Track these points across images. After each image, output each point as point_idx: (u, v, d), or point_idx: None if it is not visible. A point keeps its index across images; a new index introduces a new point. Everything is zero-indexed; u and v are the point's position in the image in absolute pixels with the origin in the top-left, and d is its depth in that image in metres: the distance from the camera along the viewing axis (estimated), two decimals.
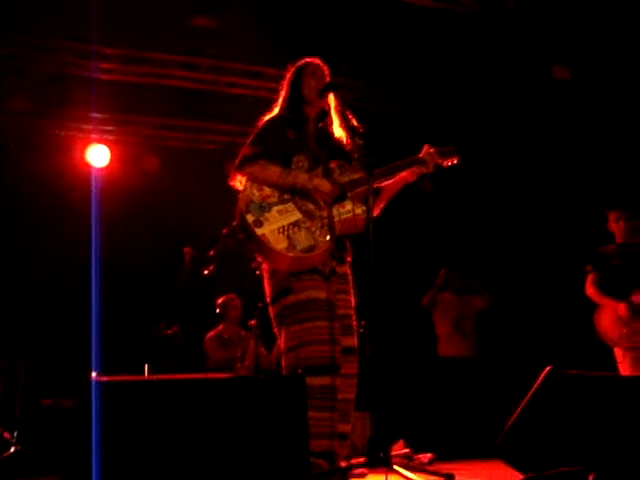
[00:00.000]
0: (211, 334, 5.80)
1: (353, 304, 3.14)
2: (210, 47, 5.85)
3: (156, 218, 6.54)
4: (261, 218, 2.95)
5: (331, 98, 3.23)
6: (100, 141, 6.51)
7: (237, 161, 3.07)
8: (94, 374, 2.45)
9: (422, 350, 6.56)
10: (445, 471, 2.92)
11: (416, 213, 6.56)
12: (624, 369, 4.39)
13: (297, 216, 2.99)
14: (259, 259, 3.11)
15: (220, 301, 5.80)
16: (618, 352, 4.45)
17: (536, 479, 2.50)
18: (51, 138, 6.53)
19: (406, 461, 4.42)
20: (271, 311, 3.06)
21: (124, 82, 6.08)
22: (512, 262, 6.71)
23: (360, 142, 3.05)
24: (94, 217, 5.46)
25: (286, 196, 3.01)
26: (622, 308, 4.39)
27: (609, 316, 4.44)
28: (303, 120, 3.19)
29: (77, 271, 5.86)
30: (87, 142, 6.50)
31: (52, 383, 5.58)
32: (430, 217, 6.98)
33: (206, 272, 4.85)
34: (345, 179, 3.12)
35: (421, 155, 3.26)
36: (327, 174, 3.10)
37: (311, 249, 2.93)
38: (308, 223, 2.98)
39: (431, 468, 3.81)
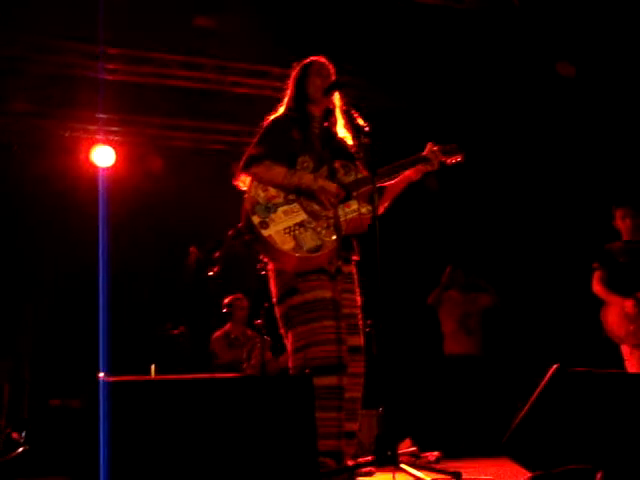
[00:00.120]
0: (218, 334, 5.81)
1: (359, 303, 3.14)
2: (214, 47, 5.85)
3: (161, 218, 6.55)
4: (267, 219, 2.94)
5: (336, 97, 3.23)
6: (105, 142, 6.52)
7: (242, 161, 3.07)
8: (101, 374, 2.45)
9: (428, 348, 6.56)
10: (452, 469, 2.92)
11: (421, 211, 6.56)
12: (631, 366, 4.38)
13: (303, 216, 2.99)
14: (265, 260, 3.11)
15: (227, 301, 5.81)
16: (625, 349, 4.44)
17: (543, 477, 2.50)
18: (56, 139, 6.55)
19: (413, 459, 4.41)
20: (277, 311, 3.06)
21: (129, 82, 6.10)
22: (518, 259, 6.70)
23: (365, 141, 3.05)
24: (101, 217, 5.48)
25: (291, 197, 3.01)
26: (629, 305, 4.38)
27: (616, 313, 4.43)
28: (308, 119, 3.19)
29: (83, 271, 5.88)
30: (92, 143, 6.52)
31: (60, 384, 5.60)
32: (435, 215, 6.97)
33: (211, 273, 4.85)
34: (350, 179, 3.12)
35: (425, 153, 3.25)
36: (332, 174, 3.10)
37: (317, 249, 2.93)
38: (314, 223, 2.98)
39: (438, 466, 3.81)
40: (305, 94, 3.21)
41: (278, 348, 5.14)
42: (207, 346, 5.77)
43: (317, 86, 3.18)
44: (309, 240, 2.93)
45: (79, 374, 5.11)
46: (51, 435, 4.82)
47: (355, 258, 3.15)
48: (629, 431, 2.65)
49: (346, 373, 2.93)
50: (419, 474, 2.70)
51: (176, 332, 5.59)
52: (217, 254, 4.82)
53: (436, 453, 4.58)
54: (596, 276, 4.58)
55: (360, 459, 3.37)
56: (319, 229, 2.98)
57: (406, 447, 4.79)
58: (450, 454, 4.77)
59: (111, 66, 5.92)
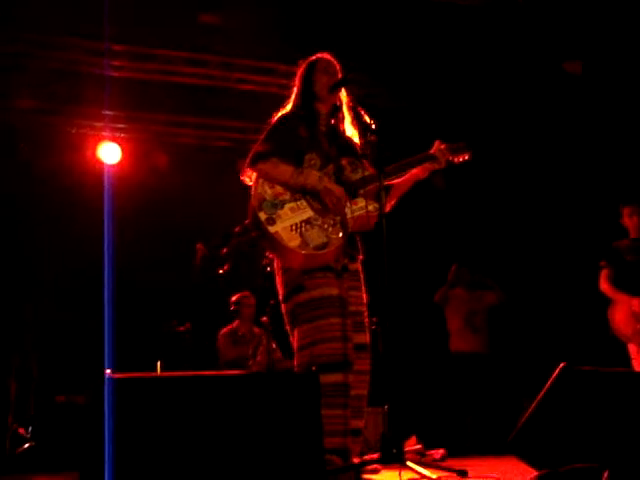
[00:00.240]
0: (224, 331, 5.82)
1: (365, 301, 3.14)
2: (220, 44, 5.85)
3: (167, 215, 6.56)
4: (274, 216, 2.94)
5: (343, 94, 3.22)
6: (111, 138, 6.53)
7: (249, 157, 3.06)
8: (108, 371, 2.46)
9: (434, 346, 6.55)
10: (458, 467, 2.92)
11: (427, 209, 6.55)
12: (638, 365, 4.38)
13: (309, 213, 2.98)
14: (271, 257, 3.11)
15: (234, 298, 5.81)
16: (632, 348, 4.43)
17: (550, 476, 2.49)
18: (63, 135, 6.57)
19: (418, 457, 4.41)
20: (283, 309, 3.06)
21: (135, 79, 6.10)
22: (525, 257, 6.68)
23: (372, 138, 3.04)
24: (106, 214, 5.48)
25: (298, 194, 3.01)
26: (636, 304, 4.36)
27: (623, 312, 4.42)
28: (315, 117, 3.18)
29: (89, 268, 5.89)
30: (98, 139, 6.53)
31: (66, 380, 5.62)
32: (441, 213, 6.96)
33: (221, 271, 4.85)
34: (357, 176, 3.11)
35: (432, 151, 3.24)
36: (338, 171, 3.10)
37: (324, 246, 2.93)
38: (320, 220, 2.98)
39: (443, 464, 3.81)
40: (312, 91, 3.20)
41: (283, 341, 5.15)
42: (213, 343, 5.78)
43: (323, 83, 3.18)
44: (315, 237, 2.93)
45: (85, 371, 5.13)
46: (57, 431, 4.84)
47: (360, 257, 3.15)
48: (636, 430, 2.64)
49: (352, 370, 2.93)
50: (425, 472, 2.69)
51: (182, 329, 5.60)
52: (224, 251, 4.82)
53: (441, 451, 4.58)
54: (603, 274, 4.57)
55: (366, 457, 3.37)
56: (326, 226, 2.97)
57: (412, 445, 4.79)
58: (456, 452, 4.77)
59: (117, 63, 5.93)
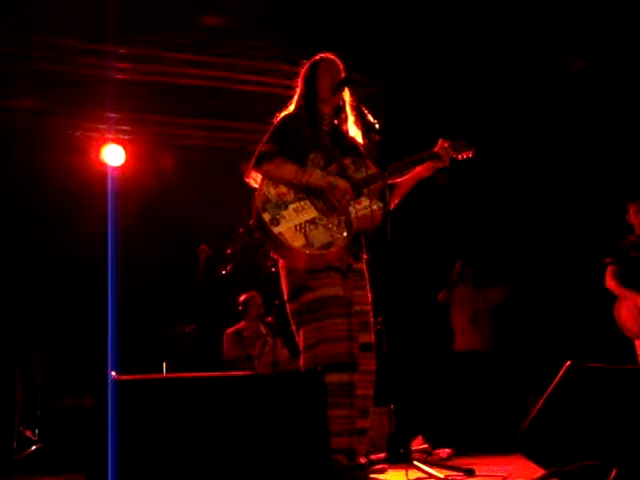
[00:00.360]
0: (230, 330, 5.82)
1: (370, 300, 3.13)
2: (224, 45, 5.85)
3: (171, 216, 6.56)
4: (277, 216, 2.94)
5: (346, 94, 3.22)
6: (115, 140, 6.54)
7: (253, 158, 3.07)
8: (113, 373, 2.46)
9: (439, 345, 6.54)
10: (465, 466, 2.91)
11: (431, 207, 6.53)
12: None
13: (313, 213, 2.98)
14: (276, 257, 3.11)
15: (242, 299, 5.82)
16: (639, 344, 4.41)
17: (557, 474, 2.48)
18: (67, 138, 6.58)
19: (425, 456, 4.40)
20: (288, 309, 3.06)
21: (139, 81, 6.11)
22: (530, 255, 6.66)
23: (376, 138, 3.04)
24: (110, 216, 5.50)
25: (302, 194, 3.01)
26: None
27: (629, 308, 4.41)
28: (318, 117, 3.18)
29: (93, 270, 5.90)
30: (102, 142, 6.54)
31: (72, 383, 5.63)
32: (445, 211, 6.95)
33: (224, 272, 4.86)
34: (360, 175, 3.11)
35: (436, 149, 3.24)
36: (342, 171, 3.10)
37: (328, 245, 2.93)
38: (325, 220, 2.98)
39: (450, 463, 3.80)
40: (315, 92, 3.20)
41: (289, 341, 5.15)
42: (218, 344, 5.79)
43: (326, 84, 3.18)
44: (320, 237, 2.93)
45: (90, 373, 5.14)
46: (63, 433, 4.85)
47: (364, 257, 3.15)
48: None
49: (357, 370, 2.92)
50: (432, 471, 2.69)
51: (187, 330, 5.61)
52: (228, 252, 4.82)
53: (448, 450, 4.56)
54: (609, 271, 4.56)
55: (372, 456, 3.37)
56: (330, 226, 2.97)
57: (418, 444, 4.78)
58: (462, 451, 4.75)
59: (121, 65, 5.93)
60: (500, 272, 6.48)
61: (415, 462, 2.75)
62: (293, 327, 3.05)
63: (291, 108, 3.24)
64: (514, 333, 6.53)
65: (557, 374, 2.71)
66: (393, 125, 3.35)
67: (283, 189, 3.01)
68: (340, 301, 2.93)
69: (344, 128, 3.27)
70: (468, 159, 3.32)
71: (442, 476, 2.67)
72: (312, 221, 2.96)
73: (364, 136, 3.26)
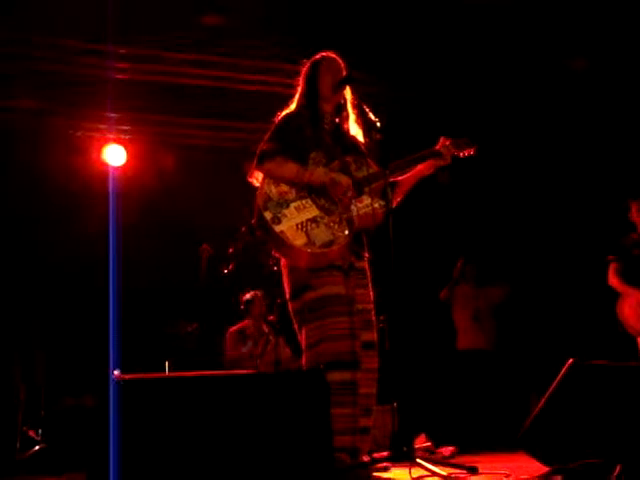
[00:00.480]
0: (233, 329, 5.82)
1: (372, 299, 3.13)
2: (224, 44, 5.85)
3: (173, 216, 6.57)
4: (279, 215, 2.94)
5: (347, 92, 3.22)
6: (116, 140, 6.55)
7: (255, 157, 3.07)
8: (115, 372, 2.46)
9: (441, 343, 6.54)
10: (468, 464, 2.90)
11: (433, 205, 6.53)
12: None
13: (315, 212, 2.98)
14: (278, 256, 3.11)
15: (245, 297, 5.81)
16: None
17: (560, 471, 2.48)
18: (68, 138, 6.58)
19: (428, 454, 4.40)
20: (290, 308, 3.06)
21: (139, 81, 6.11)
22: (532, 253, 6.66)
23: (377, 136, 3.04)
24: (112, 216, 5.50)
25: (303, 192, 3.01)
26: None
27: (632, 306, 4.41)
28: (319, 115, 3.18)
29: (95, 270, 5.90)
30: (103, 142, 6.54)
31: (74, 382, 5.64)
32: (447, 209, 6.94)
33: (226, 271, 4.86)
34: (362, 174, 3.11)
35: (437, 147, 3.24)
36: (343, 169, 3.10)
37: (330, 244, 2.93)
38: (326, 218, 2.98)
39: (453, 461, 3.79)
40: (316, 90, 3.20)
41: (292, 340, 5.15)
42: (220, 343, 5.79)
43: (328, 82, 3.18)
44: (321, 235, 2.93)
45: (92, 373, 5.14)
46: (66, 433, 4.85)
47: (366, 255, 3.14)
48: None
49: (360, 369, 2.92)
50: (435, 469, 2.69)
51: (189, 329, 5.61)
52: (230, 251, 4.83)
53: (451, 448, 4.56)
54: (612, 269, 4.56)
55: (375, 455, 3.37)
56: (331, 224, 2.97)
57: (421, 442, 4.78)
58: (465, 449, 4.75)
59: (121, 65, 5.93)
60: (502, 270, 6.47)
61: (418, 460, 2.74)
62: (295, 326, 3.05)
63: (292, 107, 3.24)
64: (517, 331, 6.53)
65: (559, 372, 2.71)
66: (394, 124, 3.35)
67: (284, 187, 3.01)
68: (342, 299, 2.93)
69: (345, 127, 3.27)
70: (469, 157, 3.32)
71: (445, 474, 2.66)
72: (314, 219, 2.96)
73: (365, 135, 3.26)
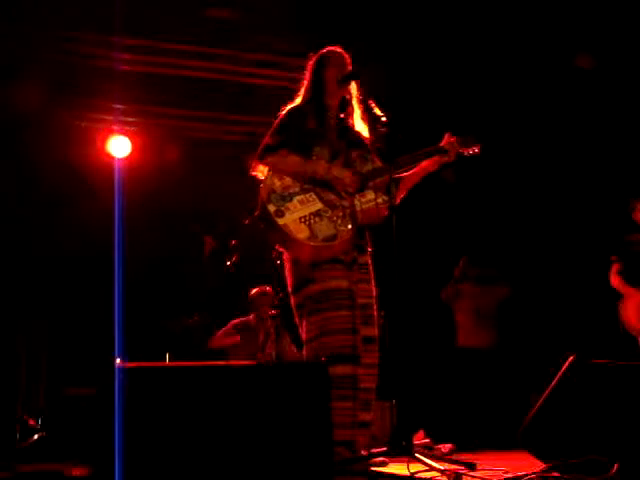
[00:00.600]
0: (236, 321, 5.80)
1: (374, 294, 3.13)
2: (230, 37, 5.85)
3: (177, 208, 6.57)
4: (282, 208, 2.95)
5: (353, 87, 3.22)
6: (121, 132, 6.55)
7: (259, 151, 3.07)
8: (118, 360, 2.47)
9: (442, 340, 6.54)
10: (466, 461, 2.91)
11: (437, 202, 6.52)
12: None
13: (318, 205, 2.98)
14: (280, 249, 3.11)
15: (252, 292, 5.79)
16: None
17: (559, 467, 2.48)
18: (73, 129, 6.58)
19: (426, 451, 4.40)
20: (292, 301, 3.07)
21: (145, 73, 6.11)
22: (535, 252, 6.65)
23: (382, 131, 3.04)
24: (116, 207, 5.51)
25: (307, 186, 3.01)
26: None
27: (634, 306, 4.40)
28: (324, 110, 3.19)
29: (99, 261, 5.92)
30: (108, 133, 6.54)
31: (75, 371, 5.66)
32: (451, 206, 6.93)
33: (229, 263, 4.86)
34: (366, 169, 3.11)
35: (442, 144, 3.23)
36: (347, 164, 3.10)
37: (333, 238, 2.93)
38: (330, 212, 2.98)
39: (452, 457, 3.80)
40: (321, 85, 3.20)
41: (294, 334, 5.15)
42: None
43: (333, 77, 3.18)
44: (324, 229, 2.93)
45: (95, 362, 5.16)
46: (67, 421, 4.87)
47: (369, 250, 3.15)
48: None
49: (360, 363, 2.93)
50: (433, 464, 2.69)
51: (190, 321, 5.62)
52: (233, 243, 4.83)
53: (449, 445, 4.56)
54: (614, 269, 4.56)
55: (373, 449, 3.37)
56: (335, 218, 2.98)
57: (419, 439, 4.78)
58: (464, 446, 4.75)
59: (127, 56, 5.93)
60: (504, 269, 6.47)
61: (416, 454, 2.75)
62: (296, 319, 3.06)
63: (297, 101, 3.25)
64: (518, 330, 6.52)
65: (560, 370, 2.71)
66: (398, 121, 3.34)
67: (288, 181, 3.01)
68: (344, 293, 2.94)
69: (350, 122, 3.27)
70: (475, 155, 3.31)
71: (442, 468, 2.67)
72: (317, 213, 2.96)
73: (370, 130, 3.26)
